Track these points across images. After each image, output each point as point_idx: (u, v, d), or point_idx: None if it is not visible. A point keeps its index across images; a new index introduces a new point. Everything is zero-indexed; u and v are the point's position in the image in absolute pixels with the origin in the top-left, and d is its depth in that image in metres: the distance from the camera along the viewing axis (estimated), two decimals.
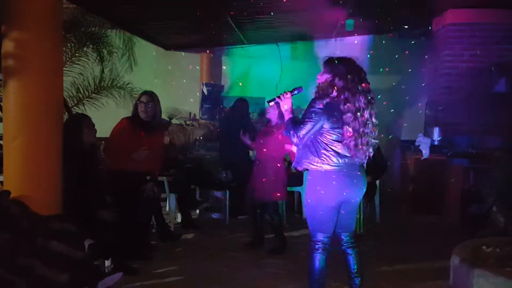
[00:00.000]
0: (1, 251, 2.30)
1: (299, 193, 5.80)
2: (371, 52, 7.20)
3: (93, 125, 3.60)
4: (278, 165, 4.32)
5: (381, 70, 6.82)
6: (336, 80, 2.77)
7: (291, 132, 2.75)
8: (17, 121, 2.75)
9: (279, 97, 2.92)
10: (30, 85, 2.74)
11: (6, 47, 2.78)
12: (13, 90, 2.75)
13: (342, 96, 2.71)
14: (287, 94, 2.90)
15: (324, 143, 2.75)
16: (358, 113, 2.71)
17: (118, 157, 3.93)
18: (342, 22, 6.18)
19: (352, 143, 2.72)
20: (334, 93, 2.74)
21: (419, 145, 5.91)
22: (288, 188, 5.50)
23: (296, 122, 2.77)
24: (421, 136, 6.00)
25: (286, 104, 2.89)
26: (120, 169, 3.91)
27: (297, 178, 5.54)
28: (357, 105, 2.71)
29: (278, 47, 7.87)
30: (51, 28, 2.85)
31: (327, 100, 2.72)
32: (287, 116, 2.87)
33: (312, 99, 2.79)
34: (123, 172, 3.90)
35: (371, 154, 2.84)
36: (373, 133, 2.82)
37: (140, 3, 5.28)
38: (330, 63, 2.87)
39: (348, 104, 2.70)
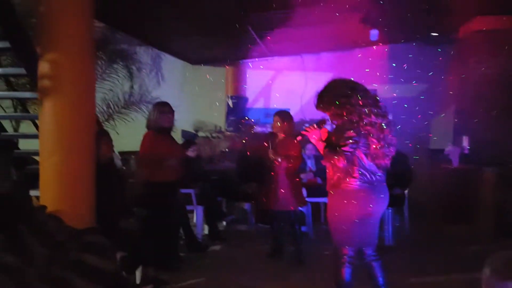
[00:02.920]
0: (38, 264, 2.40)
1: (326, 204, 5.77)
2: (397, 60, 7.17)
3: (111, 140, 3.73)
4: (294, 174, 4.36)
5: (407, 78, 6.78)
6: (339, 114, 2.83)
7: (335, 158, 2.77)
8: (53, 138, 2.89)
9: (305, 131, 2.99)
10: (64, 104, 2.89)
11: (42, 68, 2.93)
12: (48, 109, 2.89)
13: (352, 119, 2.77)
14: (314, 126, 2.97)
15: (359, 161, 2.80)
16: (373, 123, 2.76)
17: (153, 168, 4.02)
18: (366, 32, 6.17)
19: (381, 151, 2.76)
20: (345, 119, 2.80)
21: (448, 154, 5.82)
22: (315, 199, 5.52)
23: (334, 147, 2.81)
24: (450, 145, 5.90)
25: (314, 136, 2.96)
26: (155, 180, 4.01)
27: (323, 189, 5.53)
28: (367, 118, 2.76)
29: (302, 58, 7.91)
30: (84, 49, 3.00)
31: (350, 123, 2.78)
32: (320, 146, 2.93)
33: (340, 124, 2.85)
34: (157, 183, 4.00)
35: (392, 154, 2.85)
36: (392, 132, 2.85)
37: (166, 21, 5.43)
38: (320, 101, 2.94)
39: (360, 120, 2.75)
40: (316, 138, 2.95)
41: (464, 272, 3.88)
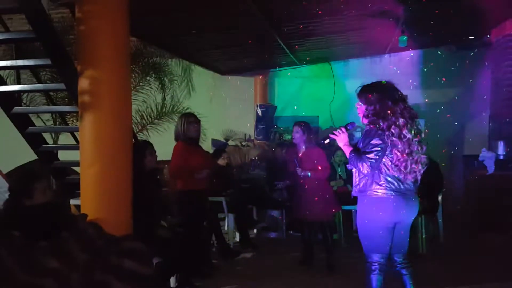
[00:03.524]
0: (80, 269, 2.54)
1: (356, 212, 5.74)
2: (429, 65, 7.08)
3: (155, 151, 3.88)
4: (324, 183, 4.38)
5: (439, 83, 6.68)
6: (372, 108, 2.81)
7: (360, 163, 2.77)
8: (93, 150, 3.04)
9: (334, 134, 2.98)
10: (103, 118, 3.03)
11: (82, 84, 3.09)
12: (88, 122, 3.05)
13: (382, 123, 2.75)
14: (342, 130, 2.96)
15: (386, 169, 2.78)
16: (402, 135, 2.73)
17: (186, 178, 4.13)
18: (396, 38, 6.14)
19: (403, 165, 2.74)
20: (376, 121, 2.78)
21: (483, 160, 5.69)
22: (345, 207, 5.50)
23: (360, 153, 2.81)
24: (485, 150, 5.77)
25: (342, 140, 2.95)
26: (188, 189, 4.11)
27: (354, 196, 5.51)
28: (398, 126, 2.73)
29: (330, 66, 7.92)
30: (120, 65, 3.14)
31: (378, 130, 2.77)
32: (347, 151, 2.92)
33: (369, 130, 2.84)
34: (189, 192, 4.11)
35: (422, 172, 2.83)
36: (421, 150, 2.80)
37: (197, 35, 5.59)
38: (363, 92, 2.92)
39: (390, 128, 2.73)
40: (343, 142, 2.94)
41: (499, 281, 3.80)
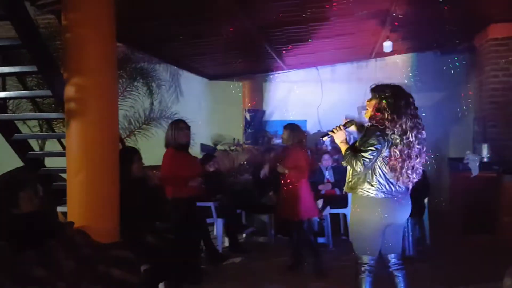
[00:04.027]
0: (67, 277, 2.52)
1: (345, 215, 5.80)
2: (414, 70, 7.18)
3: (141, 158, 3.88)
4: (302, 184, 4.41)
5: (425, 87, 6.78)
6: (383, 105, 2.84)
7: (354, 161, 2.80)
8: (79, 157, 3.03)
9: (332, 131, 3.00)
10: (90, 124, 3.03)
11: (68, 91, 3.09)
12: (75, 129, 3.04)
13: (388, 119, 2.78)
14: (340, 127, 2.99)
15: (380, 171, 2.82)
16: (404, 136, 2.77)
17: (176, 185, 4.13)
18: (381, 43, 6.22)
19: (399, 165, 2.78)
20: (382, 118, 2.81)
21: (467, 163, 5.77)
22: (334, 210, 5.55)
23: (356, 151, 2.84)
24: (469, 153, 5.86)
25: (340, 138, 2.97)
26: (178, 196, 4.12)
27: (342, 200, 5.56)
28: (404, 127, 2.77)
29: (317, 71, 7.99)
30: (107, 71, 3.14)
31: (381, 126, 2.80)
32: (343, 148, 2.94)
33: (369, 127, 2.87)
34: (180, 199, 4.12)
35: (415, 180, 2.86)
36: (419, 160, 2.83)
37: (184, 41, 5.60)
38: (377, 89, 2.95)
39: (394, 127, 2.77)
40: (341, 139, 2.96)
41: (485, 282, 3.86)
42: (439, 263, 4.70)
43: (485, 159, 5.82)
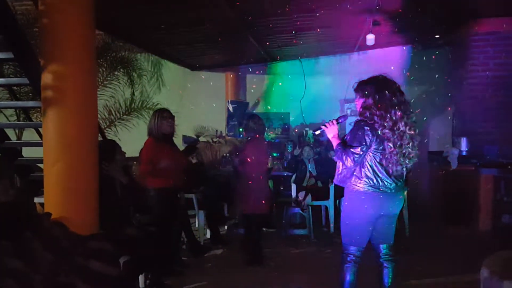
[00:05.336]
0: (44, 270, 2.46)
1: (326, 207, 5.83)
2: (396, 63, 7.24)
3: (123, 152, 3.81)
4: (260, 177, 4.42)
5: (406, 81, 6.84)
6: (369, 100, 2.86)
7: (344, 156, 2.82)
8: (56, 147, 2.95)
9: (325, 125, 3.02)
10: (67, 114, 2.95)
11: (45, 79, 3.00)
12: (52, 118, 2.96)
13: (377, 115, 2.79)
14: (333, 122, 3.00)
15: (369, 165, 2.84)
16: (395, 127, 2.79)
17: (156, 175, 4.04)
18: (364, 36, 6.25)
19: (394, 158, 2.80)
20: (370, 114, 2.82)
21: (447, 156, 5.86)
22: (315, 202, 5.57)
23: (346, 147, 2.86)
24: (448, 147, 5.96)
25: (332, 132, 2.99)
26: (157, 186, 4.05)
27: (323, 192, 5.59)
28: (393, 118, 2.79)
29: (301, 63, 7.99)
30: (85, 59, 3.06)
31: (370, 122, 2.81)
32: (334, 143, 2.96)
33: (358, 122, 2.87)
34: (159, 189, 4.05)
35: (409, 166, 2.89)
36: (412, 144, 2.85)
37: (166, 30, 5.51)
38: (359, 88, 2.97)
39: (384, 121, 2.78)
40: (333, 135, 2.98)
41: (464, 273, 3.94)
42: (418, 254, 4.77)
43: (464, 153, 5.93)
